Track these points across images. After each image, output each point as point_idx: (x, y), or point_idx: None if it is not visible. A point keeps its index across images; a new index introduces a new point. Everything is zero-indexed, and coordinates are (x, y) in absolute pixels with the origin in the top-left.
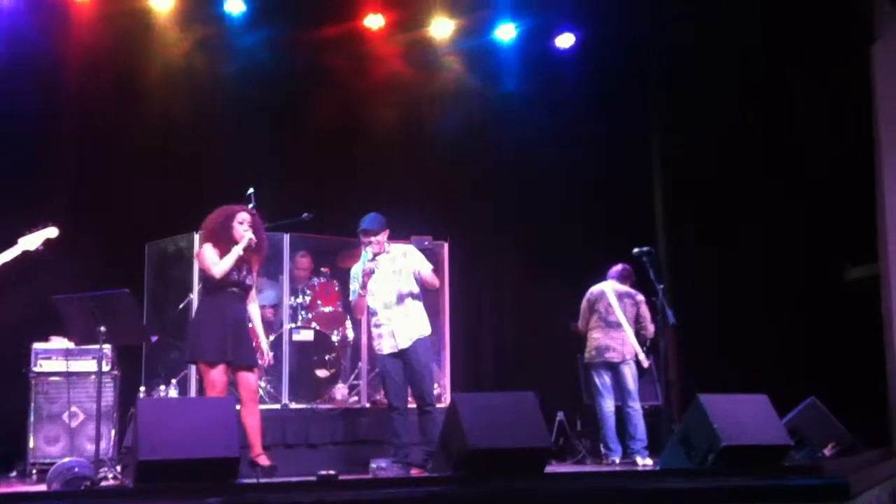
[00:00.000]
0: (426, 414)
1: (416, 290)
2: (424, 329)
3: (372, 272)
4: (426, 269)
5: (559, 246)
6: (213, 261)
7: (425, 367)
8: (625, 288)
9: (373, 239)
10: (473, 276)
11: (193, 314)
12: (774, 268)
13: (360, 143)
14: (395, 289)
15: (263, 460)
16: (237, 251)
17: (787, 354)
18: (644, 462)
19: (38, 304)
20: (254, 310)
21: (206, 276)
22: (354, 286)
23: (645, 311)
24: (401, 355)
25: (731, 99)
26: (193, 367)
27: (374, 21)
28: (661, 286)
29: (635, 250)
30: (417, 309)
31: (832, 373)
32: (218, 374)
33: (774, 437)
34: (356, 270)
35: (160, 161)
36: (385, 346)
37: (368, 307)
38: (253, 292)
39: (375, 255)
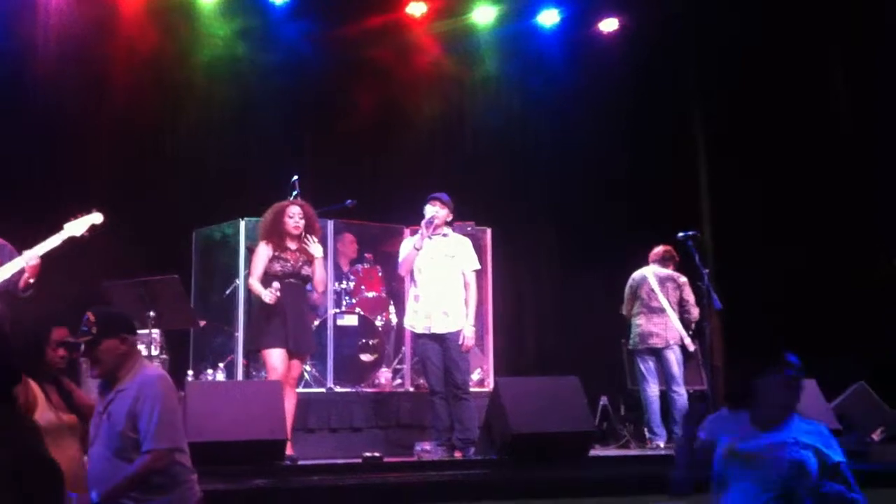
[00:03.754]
0: (460, 401)
1: (460, 282)
2: (461, 322)
3: (430, 222)
4: (469, 272)
5: (602, 231)
6: (254, 268)
7: (460, 357)
8: (666, 271)
9: (437, 205)
10: (516, 262)
11: (256, 305)
12: (822, 252)
13: (404, 131)
14: (445, 273)
15: (288, 449)
16: (266, 296)
17: (835, 339)
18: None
19: (86, 289)
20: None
21: (252, 273)
22: (406, 245)
23: (688, 294)
24: (437, 339)
25: (777, 82)
26: (240, 352)
27: (416, 8)
28: (706, 271)
29: (680, 234)
30: (459, 300)
31: (881, 358)
32: (278, 360)
33: (823, 421)
34: (410, 238)
35: (206, 149)
36: (418, 324)
37: (414, 281)
38: (319, 278)
39: (433, 224)
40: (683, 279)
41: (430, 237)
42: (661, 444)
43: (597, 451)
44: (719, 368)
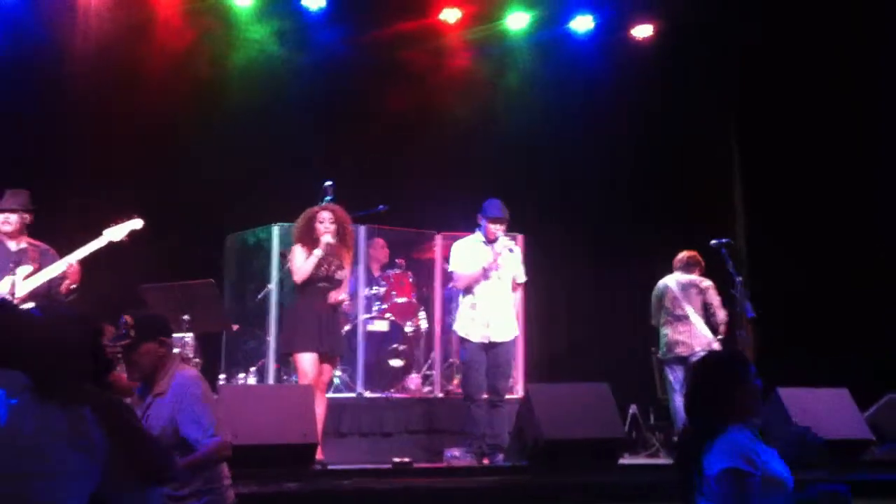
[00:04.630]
0: (497, 408)
1: (511, 288)
2: (516, 329)
3: (500, 254)
4: (521, 276)
5: (634, 238)
6: (297, 266)
7: (508, 365)
8: (688, 277)
9: (500, 227)
10: (547, 269)
11: (289, 309)
12: (855, 261)
13: (436, 136)
14: (504, 281)
15: (319, 453)
16: (316, 255)
17: (867, 349)
18: None
19: (123, 293)
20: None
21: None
22: (467, 261)
23: (712, 297)
24: (489, 348)
25: (813, 88)
26: (271, 356)
27: (450, 14)
28: (739, 278)
29: (713, 242)
30: (512, 307)
31: None
32: (309, 365)
33: (855, 430)
34: (465, 245)
35: (240, 154)
36: (475, 334)
37: (474, 290)
38: (345, 285)
39: (492, 241)
40: (707, 283)
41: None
42: None
43: (626, 459)
44: None
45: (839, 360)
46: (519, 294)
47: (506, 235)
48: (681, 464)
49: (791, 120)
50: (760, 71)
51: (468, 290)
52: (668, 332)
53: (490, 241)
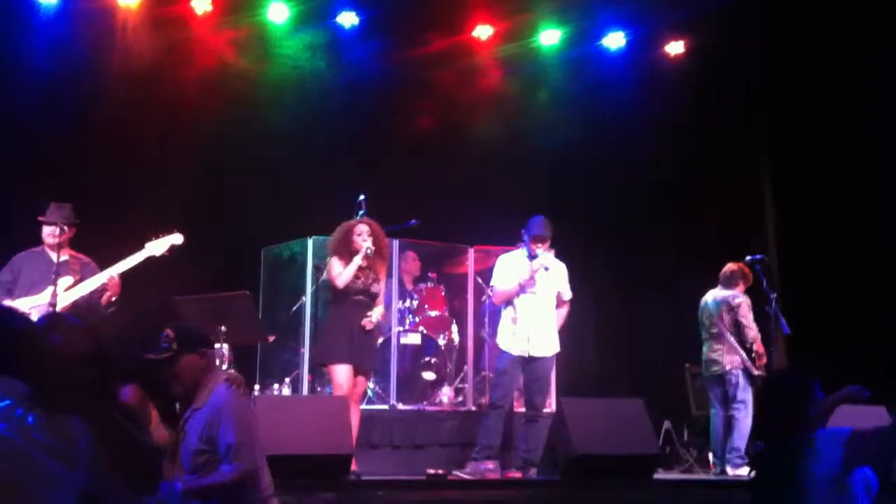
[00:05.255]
0: (534, 423)
1: (555, 304)
2: (557, 345)
3: (535, 271)
4: (568, 294)
5: (666, 252)
6: (337, 272)
7: (547, 381)
8: (725, 293)
9: (543, 247)
10: (579, 284)
11: (324, 321)
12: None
13: (468, 152)
14: (545, 296)
15: (352, 464)
16: (357, 261)
17: None
18: (736, 472)
19: (160, 305)
20: (376, 313)
21: (332, 287)
22: (507, 276)
23: (742, 316)
24: (528, 362)
25: (845, 101)
26: (305, 368)
27: (482, 31)
28: (774, 295)
29: (747, 258)
30: (554, 323)
31: None
32: (344, 376)
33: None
34: (509, 260)
35: (275, 168)
36: (515, 347)
37: (512, 303)
38: (380, 298)
39: (534, 257)
40: (739, 300)
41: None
42: (724, 470)
43: (660, 475)
44: None
45: (873, 377)
46: (564, 311)
47: (548, 251)
48: (770, 478)
49: (823, 134)
50: (791, 85)
51: (509, 304)
52: (705, 350)
53: (532, 257)
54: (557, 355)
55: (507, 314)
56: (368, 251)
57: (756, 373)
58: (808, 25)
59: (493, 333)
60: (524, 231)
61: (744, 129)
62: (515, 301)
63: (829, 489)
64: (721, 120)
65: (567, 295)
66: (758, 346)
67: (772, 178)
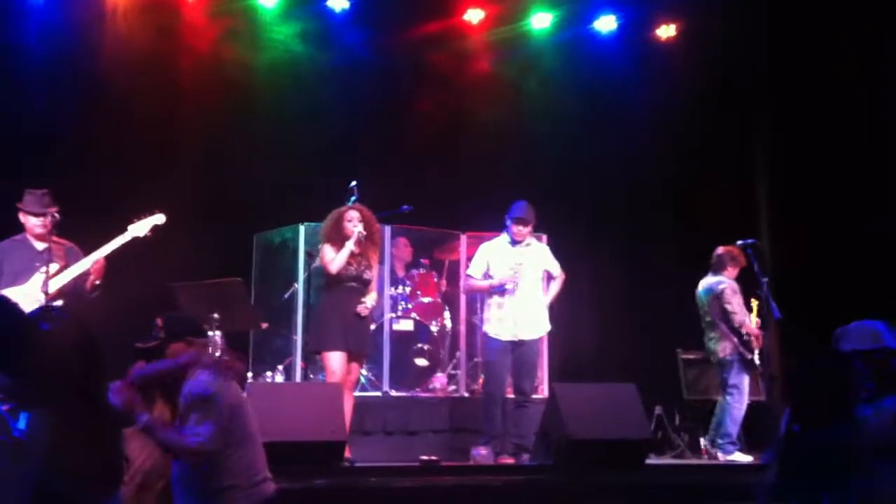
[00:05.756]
0: (523, 408)
1: (541, 286)
2: (546, 326)
3: (503, 286)
4: (557, 270)
5: (659, 239)
6: (329, 258)
7: (534, 366)
8: (711, 280)
9: (521, 229)
10: (571, 269)
11: (317, 308)
12: (886, 260)
13: (461, 136)
14: (529, 279)
15: (346, 451)
16: (349, 246)
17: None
18: (727, 458)
19: (151, 292)
20: (370, 299)
21: (325, 273)
22: (481, 268)
23: (726, 301)
24: (516, 346)
25: (840, 85)
26: (298, 354)
27: (473, 15)
28: (765, 279)
29: (738, 243)
30: (542, 305)
31: None
32: (337, 363)
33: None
34: (488, 249)
35: (266, 154)
36: (504, 332)
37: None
38: (373, 284)
39: (517, 242)
40: (722, 285)
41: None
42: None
43: (652, 460)
44: (777, 379)
45: None
46: (557, 286)
47: (532, 236)
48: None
49: (817, 118)
50: (785, 69)
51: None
52: (703, 339)
53: (515, 242)
54: (551, 340)
55: (493, 300)
56: (360, 236)
57: (749, 357)
58: (809, 8)
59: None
60: (507, 216)
61: (740, 112)
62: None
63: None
64: (716, 102)
65: (556, 271)
66: (747, 330)
67: (768, 161)
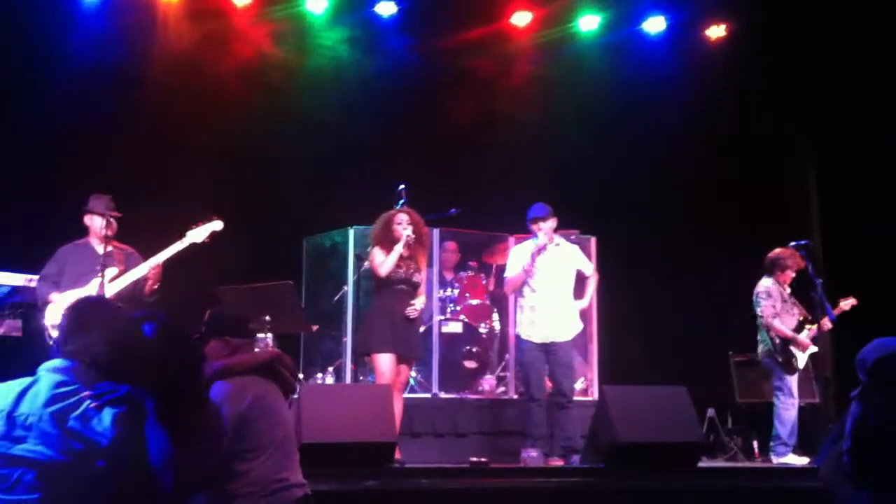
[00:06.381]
0: (565, 409)
1: (572, 288)
2: (578, 326)
3: (541, 250)
4: (590, 269)
5: (709, 239)
6: (379, 261)
7: (570, 366)
8: (760, 283)
9: (542, 225)
10: (621, 272)
11: (366, 310)
12: None
13: (507, 139)
14: (560, 280)
15: (396, 452)
16: (398, 249)
17: None
18: (779, 460)
19: (204, 295)
20: (419, 302)
21: (375, 276)
22: (515, 264)
23: (756, 304)
24: (549, 347)
25: (889, 86)
26: (348, 356)
27: (520, 18)
28: (819, 281)
29: (791, 244)
30: (574, 306)
31: None
32: (387, 365)
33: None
34: (520, 249)
35: (315, 159)
36: (536, 334)
37: (525, 289)
38: (422, 287)
39: (544, 248)
40: (758, 288)
41: (545, 247)
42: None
43: (704, 463)
44: (831, 380)
45: None
46: (592, 285)
47: (557, 233)
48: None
49: (868, 119)
50: (835, 68)
51: (525, 292)
52: None
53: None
54: (601, 342)
55: (525, 303)
56: (409, 240)
57: (780, 359)
58: (860, 7)
59: None
60: (527, 221)
61: (788, 115)
62: (531, 289)
63: None
64: (764, 103)
65: (588, 270)
66: (777, 332)
67: (817, 164)
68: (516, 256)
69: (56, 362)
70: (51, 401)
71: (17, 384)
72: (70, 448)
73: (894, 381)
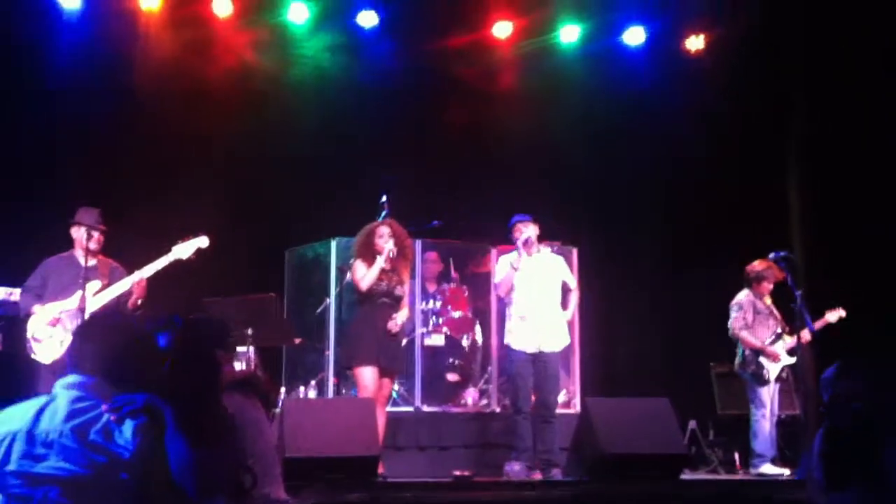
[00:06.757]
0: (548, 423)
1: (560, 298)
2: (567, 338)
3: (528, 242)
4: (573, 282)
5: (691, 251)
6: (360, 275)
7: (557, 379)
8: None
9: (522, 227)
10: (603, 283)
11: (349, 324)
12: None
13: (490, 150)
14: (548, 289)
15: (380, 467)
16: (379, 264)
17: None
18: (757, 471)
19: (186, 307)
20: (401, 316)
21: (357, 289)
22: (503, 265)
23: (731, 316)
24: (537, 358)
25: (872, 90)
26: (331, 370)
27: (501, 28)
28: (799, 292)
29: (771, 255)
30: (562, 317)
31: None
32: (369, 378)
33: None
34: (505, 257)
35: (298, 170)
36: (527, 343)
37: (515, 299)
38: (405, 300)
39: (532, 243)
40: (733, 300)
41: (528, 255)
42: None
43: (686, 475)
44: (812, 393)
45: None
46: (574, 300)
47: (562, 249)
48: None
49: (852, 126)
50: (815, 76)
51: (513, 301)
52: None
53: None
54: (583, 354)
55: (514, 312)
56: (391, 254)
57: (749, 371)
58: (843, 12)
59: None
60: (510, 234)
61: (771, 124)
62: (520, 298)
63: None
64: (744, 113)
65: (572, 284)
66: (745, 343)
67: (798, 175)
68: (503, 261)
69: (71, 378)
70: (70, 416)
71: (34, 403)
72: (93, 461)
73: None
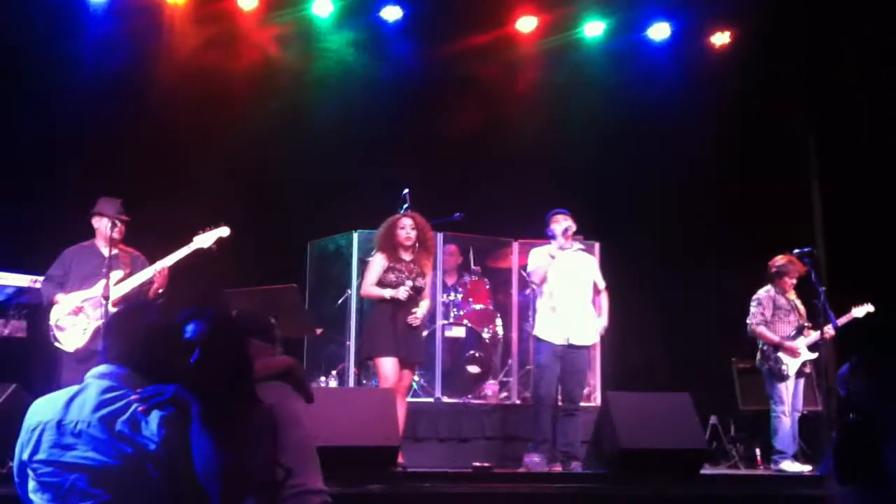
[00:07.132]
0: (571, 416)
1: (591, 295)
2: (595, 337)
3: (567, 231)
4: (602, 283)
5: (712, 245)
6: (369, 279)
7: (584, 374)
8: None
9: (564, 219)
10: (624, 277)
11: (369, 315)
12: None
13: (512, 144)
14: (580, 284)
15: (399, 457)
16: (390, 293)
17: None
18: (778, 467)
19: (208, 298)
20: (422, 308)
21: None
22: (538, 255)
23: (750, 312)
24: (566, 352)
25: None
26: (351, 360)
27: (525, 23)
28: (823, 289)
29: (795, 251)
30: (592, 313)
31: None
32: (390, 369)
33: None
34: (540, 249)
35: (320, 163)
36: (556, 336)
37: (546, 291)
38: (426, 292)
39: (570, 233)
40: (754, 296)
41: (567, 245)
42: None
43: (706, 470)
44: (834, 388)
45: None
46: (605, 301)
47: (583, 244)
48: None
49: (873, 123)
50: (839, 73)
51: (544, 292)
52: None
53: (562, 248)
54: (604, 349)
55: (545, 303)
56: (409, 293)
57: (766, 366)
58: (858, 10)
59: None
60: (546, 229)
61: (792, 121)
62: (553, 290)
63: None
64: (769, 112)
65: (601, 285)
66: (763, 338)
67: (820, 171)
68: (540, 251)
69: (102, 368)
70: (99, 406)
71: (64, 393)
72: (121, 452)
73: (874, 378)
